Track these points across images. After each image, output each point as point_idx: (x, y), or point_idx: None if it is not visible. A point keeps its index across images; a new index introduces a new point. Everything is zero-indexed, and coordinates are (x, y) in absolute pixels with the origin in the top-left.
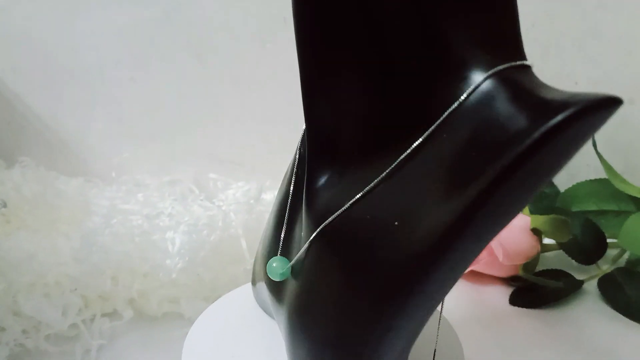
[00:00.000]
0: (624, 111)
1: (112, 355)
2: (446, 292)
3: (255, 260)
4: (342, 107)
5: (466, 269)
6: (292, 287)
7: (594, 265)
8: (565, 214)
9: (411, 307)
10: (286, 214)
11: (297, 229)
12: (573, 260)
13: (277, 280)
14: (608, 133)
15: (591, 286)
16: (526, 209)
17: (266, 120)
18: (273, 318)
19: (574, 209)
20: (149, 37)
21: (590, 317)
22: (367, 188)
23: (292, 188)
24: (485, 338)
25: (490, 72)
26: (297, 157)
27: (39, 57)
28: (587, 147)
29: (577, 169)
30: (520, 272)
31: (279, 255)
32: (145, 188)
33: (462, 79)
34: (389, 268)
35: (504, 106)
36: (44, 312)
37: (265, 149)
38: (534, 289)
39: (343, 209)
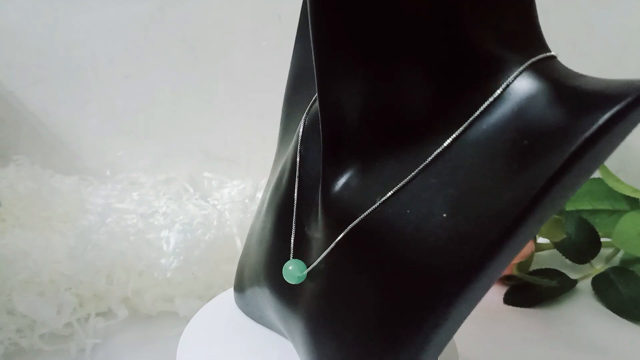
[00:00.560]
0: None
1: (107, 354)
2: (492, 285)
3: (241, 267)
4: (366, 102)
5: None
6: (311, 289)
7: (588, 264)
8: (559, 213)
9: (463, 301)
10: (294, 217)
11: (307, 232)
12: (567, 259)
13: (294, 283)
14: None
15: (585, 285)
16: None
17: (261, 118)
18: (262, 324)
19: (568, 208)
20: (143, 34)
21: (584, 315)
22: (402, 183)
23: (296, 190)
24: (480, 337)
25: (527, 63)
26: (298, 158)
27: (32, 54)
28: None
29: None
30: (515, 271)
31: (292, 259)
32: (140, 187)
33: (494, 72)
34: (442, 261)
35: (552, 94)
36: (38, 310)
37: (260, 147)
38: (528, 288)
39: (374, 206)
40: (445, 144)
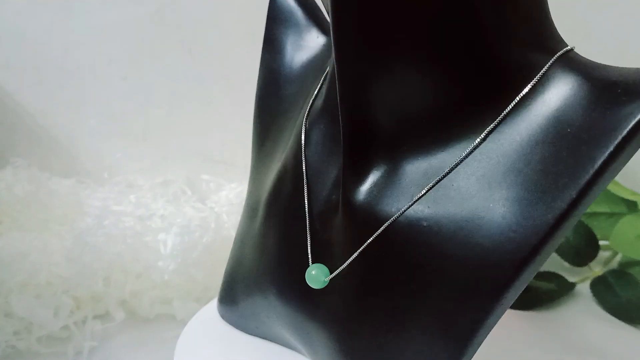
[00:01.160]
0: None
1: (104, 356)
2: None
3: (232, 278)
4: (393, 104)
5: None
6: (337, 292)
7: (586, 267)
8: None
9: (506, 298)
10: (307, 223)
11: (324, 237)
12: (565, 262)
13: (318, 287)
14: None
15: (583, 288)
16: None
17: None
18: (256, 335)
19: None
20: (141, 36)
21: (582, 318)
22: (438, 178)
23: (306, 196)
24: None
25: (557, 55)
26: (304, 165)
27: (30, 56)
28: None
29: None
30: None
31: (314, 263)
32: (138, 189)
33: (524, 67)
34: (487, 258)
35: (587, 84)
36: (35, 313)
37: None
38: (526, 291)
39: (407, 206)
40: (482, 135)
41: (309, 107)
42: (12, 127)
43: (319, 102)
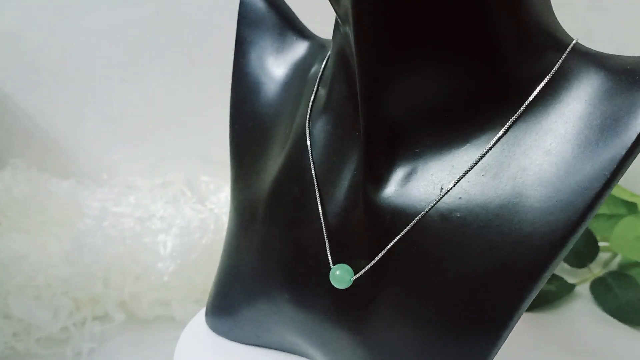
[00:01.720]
0: None
1: (103, 358)
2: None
3: (227, 287)
4: (415, 96)
5: None
6: (363, 291)
7: (586, 268)
8: None
9: (543, 278)
10: (322, 224)
11: (344, 237)
12: (565, 264)
13: (344, 287)
14: None
15: (583, 289)
16: None
17: None
18: (258, 345)
19: None
20: (140, 37)
21: (582, 320)
22: (460, 174)
23: (319, 199)
24: None
25: (571, 45)
26: (312, 169)
27: (29, 57)
28: None
29: None
30: None
31: (337, 264)
32: (137, 190)
33: (540, 58)
34: (524, 242)
35: (604, 72)
36: (34, 314)
37: None
38: None
39: (438, 199)
40: (506, 126)
41: (309, 110)
42: (11, 129)
43: (319, 104)
